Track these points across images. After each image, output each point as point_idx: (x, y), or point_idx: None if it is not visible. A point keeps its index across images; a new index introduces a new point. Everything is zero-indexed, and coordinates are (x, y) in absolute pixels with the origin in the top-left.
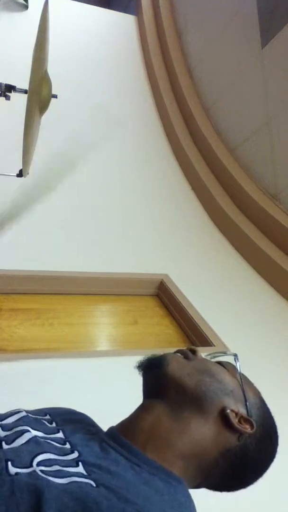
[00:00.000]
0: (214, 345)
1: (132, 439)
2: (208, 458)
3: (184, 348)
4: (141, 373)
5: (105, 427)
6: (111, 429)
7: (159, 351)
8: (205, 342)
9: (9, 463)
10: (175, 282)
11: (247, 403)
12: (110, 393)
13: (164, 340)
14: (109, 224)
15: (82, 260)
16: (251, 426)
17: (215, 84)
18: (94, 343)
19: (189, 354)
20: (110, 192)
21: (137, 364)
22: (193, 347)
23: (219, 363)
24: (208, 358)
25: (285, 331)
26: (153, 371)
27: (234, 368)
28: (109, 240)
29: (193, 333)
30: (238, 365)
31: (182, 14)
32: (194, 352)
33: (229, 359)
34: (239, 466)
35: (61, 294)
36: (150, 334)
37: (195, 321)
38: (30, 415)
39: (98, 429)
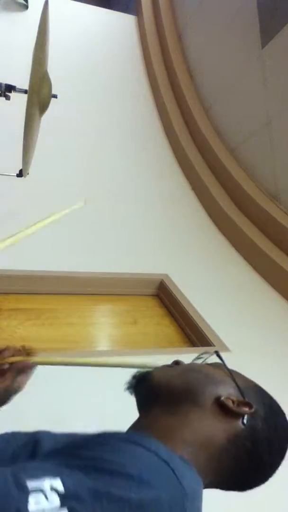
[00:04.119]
0: (214, 345)
1: None
2: (216, 446)
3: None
4: (131, 392)
5: (105, 427)
6: None
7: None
8: (205, 342)
9: None
10: (175, 282)
11: (239, 387)
12: (110, 393)
13: (164, 340)
14: (109, 224)
15: (82, 260)
16: (250, 406)
17: (215, 84)
18: (94, 343)
19: (173, 365)
20: (110, 192)
21: (126, 386)
22: (177, 360)
23: None
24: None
25: (285, 330)
26: (141, 385)
27: (221, 365)
28: (109, 240)
29: (193, 333)
30: (222, 359)
31: (182, 14)
32: (177, 363)
33: (213, 359)
34: (253, 449)
35: (61, 294)
36: (150, 334)
37: (195, 321)
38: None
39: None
